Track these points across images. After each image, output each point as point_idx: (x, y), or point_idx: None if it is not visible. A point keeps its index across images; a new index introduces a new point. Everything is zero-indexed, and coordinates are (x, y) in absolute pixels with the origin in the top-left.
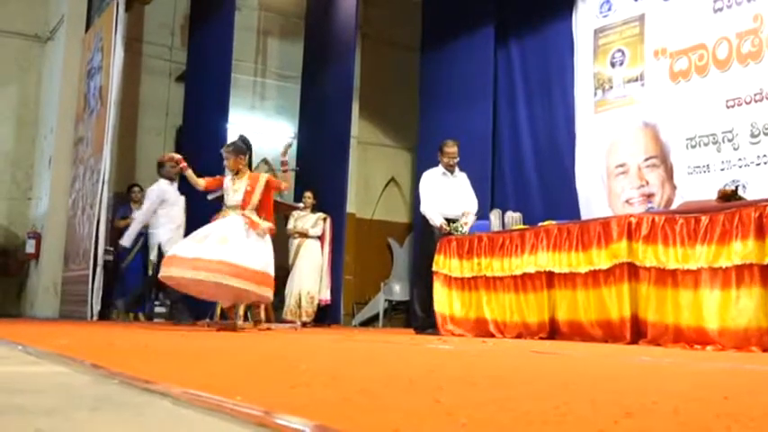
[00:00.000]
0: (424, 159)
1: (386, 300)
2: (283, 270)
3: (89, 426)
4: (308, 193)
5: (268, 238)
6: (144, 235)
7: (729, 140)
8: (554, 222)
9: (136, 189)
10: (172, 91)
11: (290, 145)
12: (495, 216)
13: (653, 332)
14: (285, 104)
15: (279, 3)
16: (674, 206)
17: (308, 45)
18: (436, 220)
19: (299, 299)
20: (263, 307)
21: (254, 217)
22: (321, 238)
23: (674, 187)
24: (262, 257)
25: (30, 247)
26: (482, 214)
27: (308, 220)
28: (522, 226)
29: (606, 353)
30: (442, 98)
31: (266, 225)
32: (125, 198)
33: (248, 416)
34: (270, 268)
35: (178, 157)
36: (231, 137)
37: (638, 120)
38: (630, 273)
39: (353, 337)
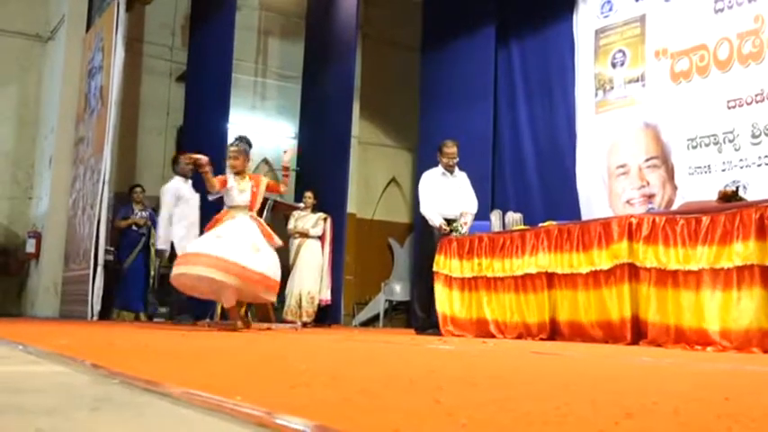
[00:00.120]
0: (424, 159)
1: (386, 300)
2: (284, 270)
3: (89, 426)
4: (308, 193)
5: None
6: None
7: (730, 141)
8: (554, 223)
9: (138, 189)
10: (172, 91)
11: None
12: (495, 216)
13: (653, 333)
14: (286, 104)
15: (279, 2)
16: (674, 207)
17: (308, 45)
18: (435, 220)
19: (300, 299)
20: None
21: (267, 228)
22: (322, 238)
23: (674, 188)
24: (276, 265)
25: (30, 247)
26: (482, 215)
27: (308, 221)
28: (522, 226)
29: (607, 353)
30: (442, 98)
31: (279, 242)
32: (126, 198)
33: (248, 416)
34: (279, 275)
35: (204, 160)
36: (231, 137)
37: (639, 120)
38: (631, 273)
39: (354, 338)
